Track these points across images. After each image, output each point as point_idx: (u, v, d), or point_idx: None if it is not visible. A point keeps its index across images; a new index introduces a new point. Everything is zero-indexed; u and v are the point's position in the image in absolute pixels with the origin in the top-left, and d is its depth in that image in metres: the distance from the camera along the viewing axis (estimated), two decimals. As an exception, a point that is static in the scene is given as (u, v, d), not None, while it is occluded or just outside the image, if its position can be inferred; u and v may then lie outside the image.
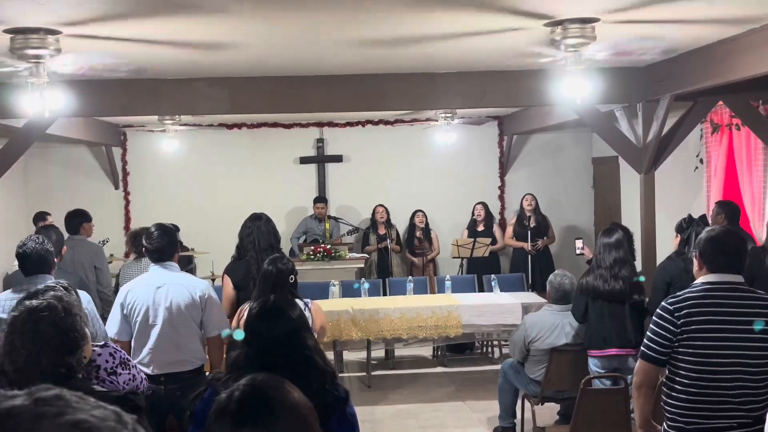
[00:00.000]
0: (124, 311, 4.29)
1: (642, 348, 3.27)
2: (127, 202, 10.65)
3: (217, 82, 6.63)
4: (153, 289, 4.28)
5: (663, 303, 3.22)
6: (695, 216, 5.61)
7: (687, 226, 5.36)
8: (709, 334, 3.12)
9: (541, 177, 10.93)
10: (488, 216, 9.83)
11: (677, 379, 3.19)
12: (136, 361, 4.21)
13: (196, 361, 4.31)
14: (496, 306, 7.30)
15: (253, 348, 2.52)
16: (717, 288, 3.17)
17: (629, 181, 8.96)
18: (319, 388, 2.40)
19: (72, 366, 2.42)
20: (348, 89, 6.78)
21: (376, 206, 10.00)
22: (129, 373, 2.91)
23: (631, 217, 8.51)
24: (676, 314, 3.14)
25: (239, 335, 2.57)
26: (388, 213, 9.96)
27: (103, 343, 2.99)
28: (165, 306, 4.25)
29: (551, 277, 5.66)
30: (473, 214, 9.82)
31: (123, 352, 2.98)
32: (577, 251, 6.52)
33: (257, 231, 5.03)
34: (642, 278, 5.28)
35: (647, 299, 5.36)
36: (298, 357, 2.47)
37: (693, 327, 3.12)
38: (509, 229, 9.78)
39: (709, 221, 5.70)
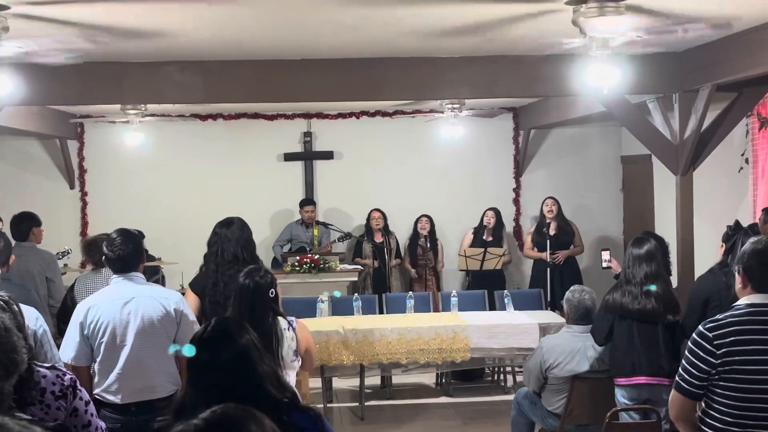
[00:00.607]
0: (85, 332, 4.26)
1: (676, 378, 3.25)
2: (85, 204, 10.64)
3: (189, 66, 6.62)
4: (119, 305, 4.26)
5: (700, 328, 3.19)
6: (745, 224, 5.58)
7: (732, 234, 5.34)
8: (755, 366, 3.09)
9: (562, 178, 10.94)
10: (498, 225, 9.82)
11: (716, 415, 3.16)
12: (101, 389, 4.21)
13: (170, 387, 4.31)
14: (510, 327, 7.29)
15: (194, 383, 2.50)
16: (763, 311, 3.15)
17: (664, 183, 8.96)
18: (277, 421, 2.39)
19: (2, 393, 2.40)
20: (340, 75, 6.78)
21: (372, 211, 9.99)
22: (82, 408, 2.86)
23: (665, 224, 8.51)
24: (715, 342, 3.11)
25: (190, 350, 2.53)
26: (385, 218, 9.95)
27: (49, 365, 2.96)
28: (135, 323, 4.24)
29: (568, 294, 5.64)
30: (482, 221, 9.82)
31: (73, 375, 2.94)
32: (604, 264, 6.51)
33: (223, 239, 4.99)
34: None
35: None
36: (244, 389, 2.44)
37: (735, 357, 3.09)
38: (528, 239, 9.78)
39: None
